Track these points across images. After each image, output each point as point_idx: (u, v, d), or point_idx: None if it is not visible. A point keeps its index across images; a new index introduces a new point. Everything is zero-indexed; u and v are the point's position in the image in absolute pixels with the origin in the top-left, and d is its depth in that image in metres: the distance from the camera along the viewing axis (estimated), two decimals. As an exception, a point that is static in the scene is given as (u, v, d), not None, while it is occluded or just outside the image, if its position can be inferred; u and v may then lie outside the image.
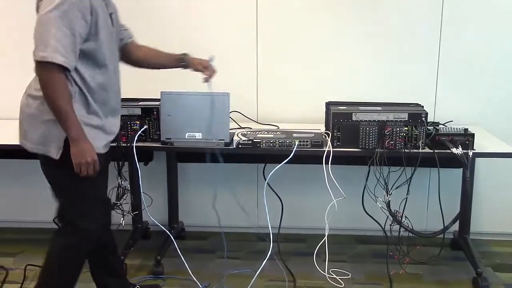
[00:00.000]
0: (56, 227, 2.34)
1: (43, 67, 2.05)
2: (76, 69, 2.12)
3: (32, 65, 2.11)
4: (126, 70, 2.49)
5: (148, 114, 2.72)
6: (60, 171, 2.18)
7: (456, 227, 3.13)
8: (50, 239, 2.31)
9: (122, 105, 2.66)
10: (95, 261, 2.49)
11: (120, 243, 2.77)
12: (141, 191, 2.75)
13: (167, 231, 2.86)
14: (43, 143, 2.15)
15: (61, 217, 2.31)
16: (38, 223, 3.37)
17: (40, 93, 2.10)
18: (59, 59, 2.03)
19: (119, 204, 2.77)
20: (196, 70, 2.55)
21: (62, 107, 2.07)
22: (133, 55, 2.53)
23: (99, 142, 2.22)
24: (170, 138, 2.68)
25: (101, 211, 2.35)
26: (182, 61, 2.55)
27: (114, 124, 2.34)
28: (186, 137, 2.67)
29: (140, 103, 2.76)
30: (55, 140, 2.13)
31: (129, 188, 2.80)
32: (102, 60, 2.20)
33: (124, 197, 2.79)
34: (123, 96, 2.75)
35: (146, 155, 3.17)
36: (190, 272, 2.80)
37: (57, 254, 2.28)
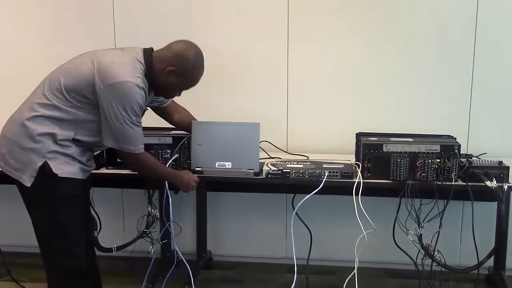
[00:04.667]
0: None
1: (133, 156, 2.32)
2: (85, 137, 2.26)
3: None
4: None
5: (179, 143, 2.75)
6: (32, 199, 2.24)
7: (491, 262, 3.03)
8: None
9: (154, 134, 2.74)
10: None
11: (149, 272, 2.77)
12: (171, 219, 2.76)
13: (186, 263, 2.81)
14: (17, 168, 2.20)
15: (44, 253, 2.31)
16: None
17: (25, 122, 2.19)
18: (140, 148, 2.32)
19: (148, 232, 2.79)
20: None
21: (159, 173, 2.50)
22: (170, 118, 2.72)
23: (71, 167, 2.23)
24: (200, 167, 2.70)
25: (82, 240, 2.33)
26: None
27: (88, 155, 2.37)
28: (216, 167, 2.69)
29: (171, 132, 2.79)
30: (29, 168, 2.18)
31: (158, 216, 2.83)
32: None
33: (153, 226, 2.81)
34: (155, 125, 2.82)
35: (176, 184, 3.19)
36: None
37: None
